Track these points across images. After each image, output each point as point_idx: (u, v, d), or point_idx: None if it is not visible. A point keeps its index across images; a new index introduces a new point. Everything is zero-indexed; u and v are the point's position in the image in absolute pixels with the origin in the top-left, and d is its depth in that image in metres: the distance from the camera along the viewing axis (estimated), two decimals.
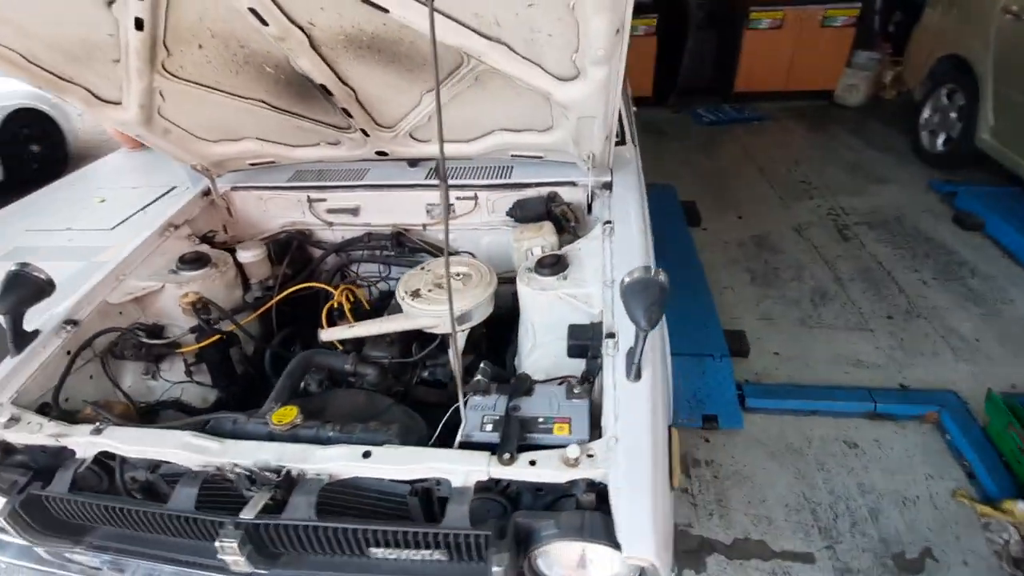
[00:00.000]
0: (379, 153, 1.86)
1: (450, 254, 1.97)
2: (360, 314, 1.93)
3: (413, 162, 1.99)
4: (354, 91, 1.51)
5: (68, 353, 1.50)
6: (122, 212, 5.09)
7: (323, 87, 1.44)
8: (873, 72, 5.49)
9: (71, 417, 1.39)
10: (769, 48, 5.53)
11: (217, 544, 1.09)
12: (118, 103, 1.55)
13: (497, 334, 1.84)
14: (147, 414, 1.65)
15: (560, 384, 1.33)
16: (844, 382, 2.52)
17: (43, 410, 1.39)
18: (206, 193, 2.07)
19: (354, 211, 2.01)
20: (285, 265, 2.01)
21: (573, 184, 1.88)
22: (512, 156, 1.87)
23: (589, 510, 1.04)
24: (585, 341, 1.38)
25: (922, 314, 2.89)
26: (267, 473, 1.17)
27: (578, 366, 1.45)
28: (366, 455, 1.16)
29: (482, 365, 1.35)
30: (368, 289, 2.15)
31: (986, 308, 2.93)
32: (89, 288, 1.64)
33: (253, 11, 1.16)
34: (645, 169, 4.52)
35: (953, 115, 4.14)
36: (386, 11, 1.11)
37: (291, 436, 1.27)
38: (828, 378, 2.55)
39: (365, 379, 1.58)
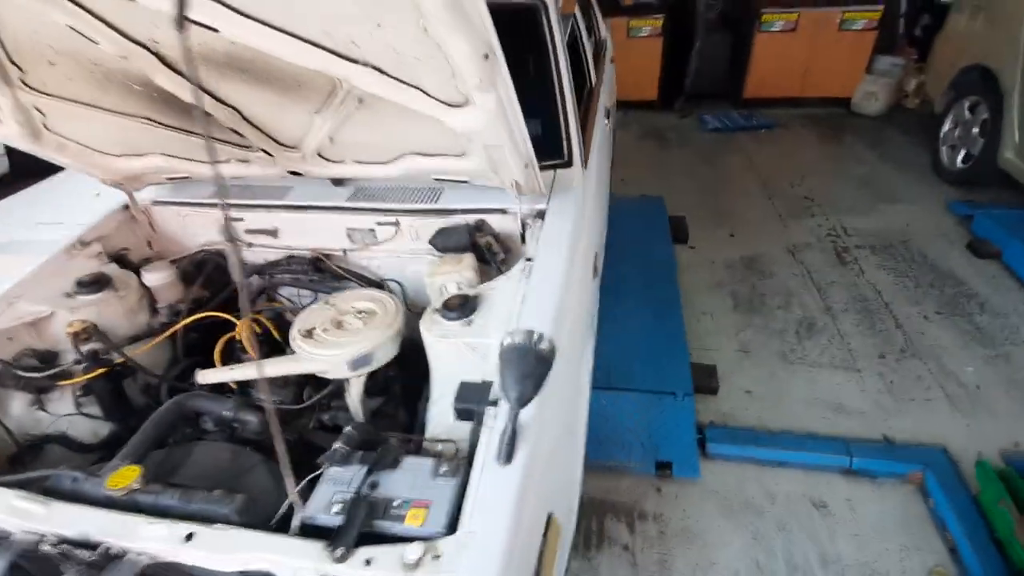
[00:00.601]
0: (292, 173, 1.71)
1: (374, 284, 1.84)
2: (270, 347, 1.80)
3: (338, 181, 1.84)
4: (238, 111, 1.36)
5: None
6: (115, 206, 5.10)
7: (189, 107, 1.30)
8: (895, 79, 5.14)
9: None
10: (782, 52, 5.22)
11: None
12: None
13: (419, 374, 1.69)
14: (31, 448, 1.55)
15: (436, 456, 1.17)
16: (820, 430, 2.29)
17: None
18: (126, 207, 1.96)
19: (273, 232, 1.87)
20: (201, 287, 1.89)
21: (503, 212, 1.71)
22: (435, 180, 1.70)
23: None
24: (472, 404, 1.21)
25: (919, 354, 2.63)
26: (81, 550, 1.04)
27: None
28: (188, 537, 1.02)
29: (347, 429, 1.19)
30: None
31: (993, 350, 2.65)
32: None
33: (74, 29, 1.02)
34: (637, 179, 4.34)
35: (975, 130, 3.82)
36: (216, 31, 0.95)
37: (129, 502, 1.13)
38: (803, 424, 2.32)
39: (247, 427, 1.44)
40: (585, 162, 1.97)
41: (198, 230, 1.98)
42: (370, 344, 1.44)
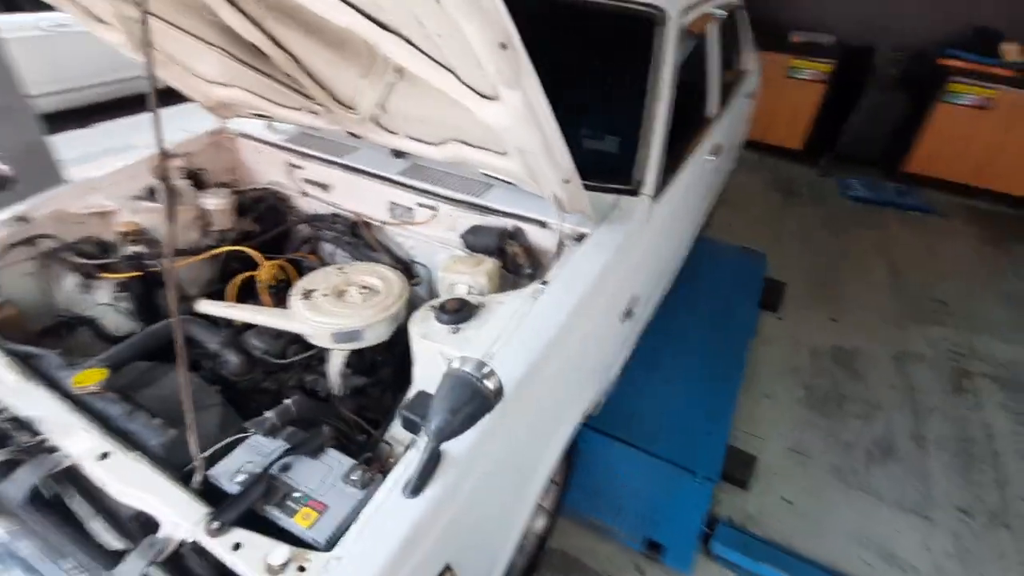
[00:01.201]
0: (352, 134, 1.71)
1: (402, 263, 1.80)
2: (285, 294, 1.82)
3: (398, 153, 1.81)
4: (295, 58, 1.36)
5: (9, 245, 1.56)
6: (209, 129, 5.65)
7: (254, 46, 1.31)
8: None
9: None
10: (965, 130, 4.47)
11: None
12: (109, 24, 1.56)
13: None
14: (67, 324, 1.69)
15: (364, 460, 1.09)
16: (856, 574, 1.91)
17: None
18: (217, 132, 2.09)
19: (325, 187, 1.89)
20: (253, 221, 1.97)
21: (543, 225, 1.58)
22: (483, 174, 1.61)
23: None
24: (419, 417, 1.11)
25: (1013, 525, 2.11)
26: (23, 432, 1.09)
27: None
28: (103, 456, 1.03)
29: (286, 402, 1.15)
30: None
31: None
32: (52, 194, 1.71)
33: None
34: (745, 229, 3.99)
35: None
36: None
37: (85, 402, 1.18)
38: (838, 560, 1.95)
39: (227, 366, 1.46)
40: (658, 194, 1.77)
41: (268, 168, 2.06)
42: (358, 322, 1.39)
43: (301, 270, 1.86)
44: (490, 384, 0.91)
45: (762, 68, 3.95)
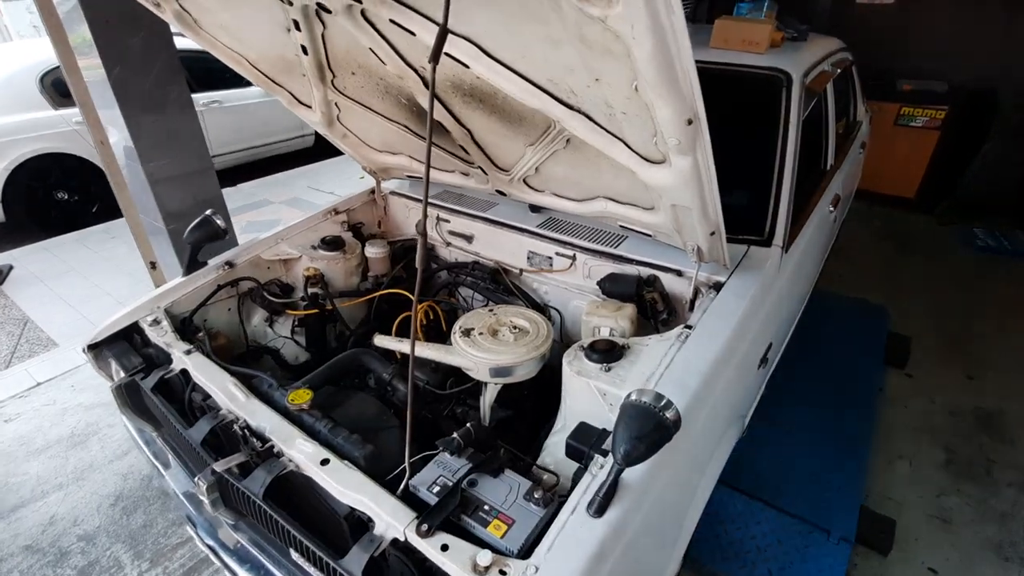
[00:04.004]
0: (499, 192, 1.93)
1: (537, 307, 1.96)
2: (436, 333, 2.03)
3: (535, 208, 2.01)
4: (470, 132, 1.60)
5: (218, 286, 1.89)
6: (363, 190, 6.36)
7: (440, 124, 1.56)
8: None
9: (193, 333, 1.75)
10: None
11: (196, 480, 1.27)
12: (309, 107, 1.91)
13: (552, 403, 1.74)
14: (255, 352, 1.99)
15: (535, 481, 1.20)
16: None
17: (183, 322, 1.78)
18: (371, 192, 2.41)
19: (469, 238, 2.11)
20: (403, 268, 2.23)
21: (678, 273, 1.68)
22: (621, 227, 1.75)
23: None
24: (584, 446, 1.22)
25: None
26: (254, 439, 1.32)
27: None
28: (324, 462, 1.22)
29: (469, 425, 1.29)
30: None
31: None
32: (249, 244, 2.05)
33: (372, 51, 1.32)
34: (858, 281, 3.83)
35: None
36: (467, 67, 1.16)
37: (296, 417, 1.40)
38: None
39: (396, 393, 1.65)
40: (787, 246, 1.83)
41: (414, 222, 2.33)
42: (514, 359, 1.54)
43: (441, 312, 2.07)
44: (669, 414, 1.00)
45: (871, 118, 3.90)
